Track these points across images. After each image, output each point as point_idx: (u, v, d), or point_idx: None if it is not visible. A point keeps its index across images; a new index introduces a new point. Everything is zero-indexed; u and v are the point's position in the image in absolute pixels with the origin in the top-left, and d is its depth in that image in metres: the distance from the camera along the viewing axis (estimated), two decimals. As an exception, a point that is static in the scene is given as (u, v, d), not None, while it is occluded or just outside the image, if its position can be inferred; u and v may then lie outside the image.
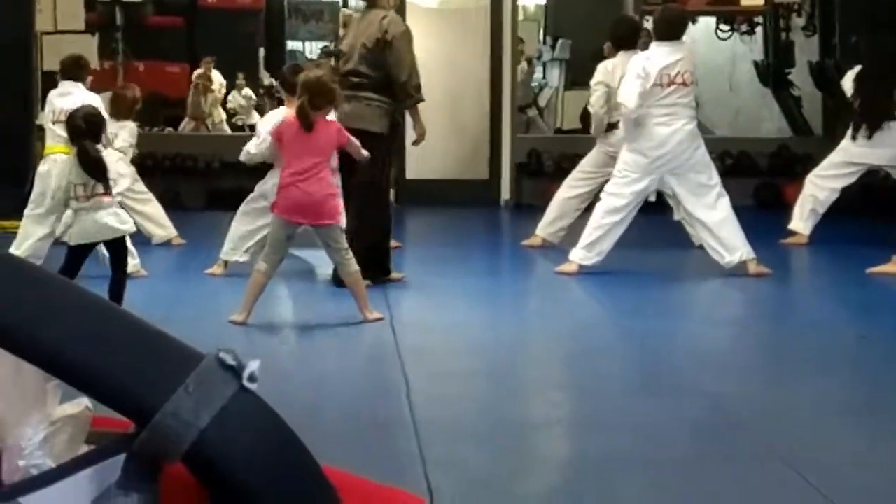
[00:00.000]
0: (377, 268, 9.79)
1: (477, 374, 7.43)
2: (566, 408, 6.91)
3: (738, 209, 10.68)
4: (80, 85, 10.81)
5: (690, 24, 13.66)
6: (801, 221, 12.44)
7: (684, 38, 10.90)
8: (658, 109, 10.39)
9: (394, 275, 10.11)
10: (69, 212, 8.59)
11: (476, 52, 16.72)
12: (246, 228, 10.25)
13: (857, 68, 12.31)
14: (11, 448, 1.20)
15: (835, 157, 12.46)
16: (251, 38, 22.05)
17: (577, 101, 17.90)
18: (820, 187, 12.41)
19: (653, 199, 11.07)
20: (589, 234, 10.56)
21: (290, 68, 11.00)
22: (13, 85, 14.44)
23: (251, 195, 10.34)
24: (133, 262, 9.85)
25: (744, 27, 18.49)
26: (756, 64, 18.48)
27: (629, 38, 11.80)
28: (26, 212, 10.44)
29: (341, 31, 18.53)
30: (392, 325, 8.40)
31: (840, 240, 12.44)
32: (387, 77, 9.90)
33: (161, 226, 12.08)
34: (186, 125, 19.88)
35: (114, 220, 8.34)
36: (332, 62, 10.64)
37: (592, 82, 11.90)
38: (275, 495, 1.06)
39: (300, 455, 1.09)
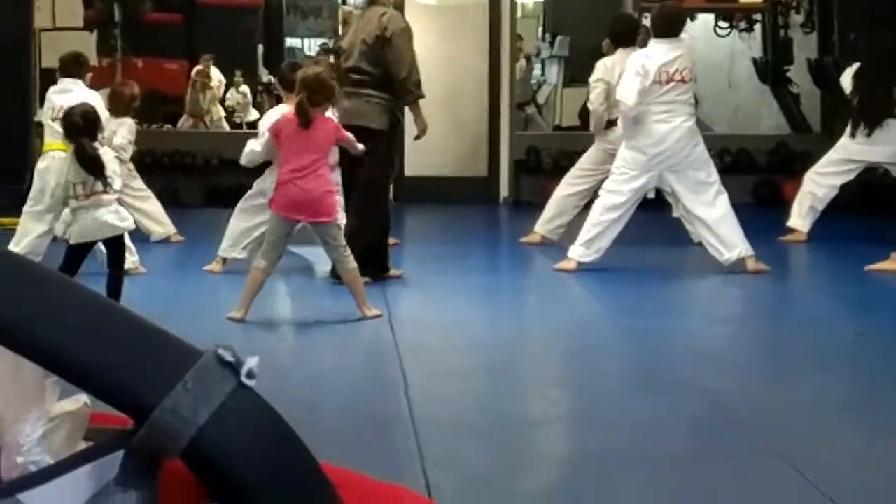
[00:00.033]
0: (376, 265, 9.79)
1: (475, 372, 7.44)
2: (565, 405, 6.92)
3: (737, 206, 10.68)
4: (79, 82, 10.81)
5: (689, 21, 13.68)
6: (800, 218, 12.45)
7: (683, 34, 10.90)
8: (657, 107, 10.40)
9: (392, 272, 10.11)
10: (68, 210, 8.58)
11: (475, 49, 16.72)
12: (244, 225, 10.24)
13: (856, 65, 12.32)
14: (10, 444, 1.20)
15: (833, 154, 12.47)
16: (250, 35, 22.06)
17: (575, 98, 17.91)
18: (819, 184, 12.42)
19: (652, 195, 11.07)
20: (587, 230, 10.57)
21: (288, 65, 11.00)
22: (12, 82, 14.45)
23: (249, 192, 10.34)
24: (132, 259, 9.85)
25: (742, 24, 18.50)
26: (755, 61, 18.48)
27: (628, 36, 11.80)
28: (25, 209, 10.43)
29: (340, 29, 18.56)
30: (390, 322, 8.40)
31: (839, 237, 12.44)
32: (387, 74, 9.90)
33: (160, 223, 12.07)
34: (185, 122, 19.88)
35: (114, 217, 8.33)
36: (331, 59, 10.63)
37: (591, 79, 11.91)
38: (273, 491, 1.06)
39: (298, 451, 1.09)
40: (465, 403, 6.68)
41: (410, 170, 16.04)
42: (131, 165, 11.66)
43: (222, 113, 20.43)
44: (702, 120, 13.33)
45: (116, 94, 11.46)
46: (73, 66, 10.94)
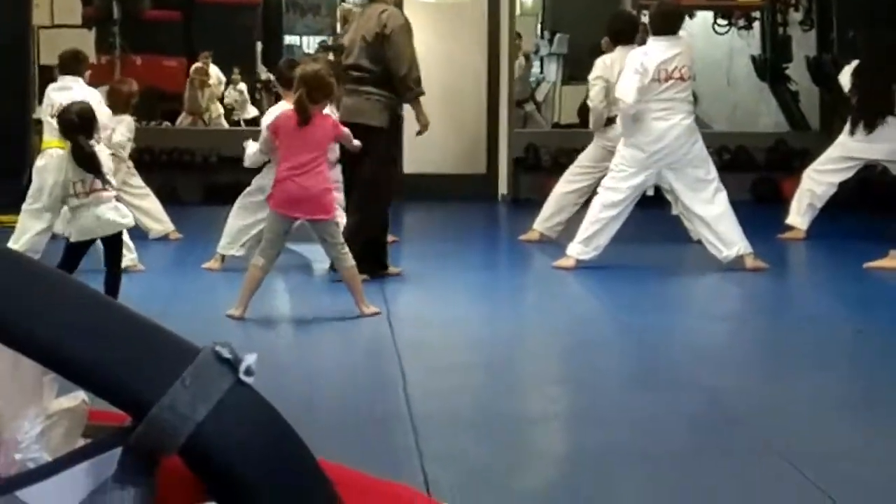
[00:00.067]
0: (374, 262, 9.80)
1: (474, 369, 7.44)
2: (563, 402, 6.92)
3: (736, 204, 10.68)
4: (79, 79, 10.81)
5: (688, 19, 13.68)
6: (799, 216, 12.45)
7: (681, 32, 10.90)
8: (656, 104, 10.40)
9: (391, 269, 10.11)
10: (66, 208, 8.58)
11: (474, 46, 16.72)
12: (243, 223, 10.24)
13: (855, 63, 12.32)
14: (8, 442, 1.20)
15: (832, 151, 12.47)
16: (248, 33, 22.05)
17: (574, 95, 17.91)
18: (817, 182, 12.42)
19: (651, 193, 11.08)
20: (586, 228, 10.57)
21: (285, 63, 11.00)
22: (10, 79, 14.43)
23: (248, 189, 10.33)
24: (130, 257, 9.86)
25: (741, 22, 18.49)
26: (753, 59, 18.48)
27: (627, 33, 11.82)
28: (24, 206, 10.43)
29: (339, 26, 18.57)
30: (389, 319, 8.40)
31: (837, 234, 12.44)
32: (387, 71, 9.89)
33: (158, 220, 12.07)
34: (184, 120, 19.87)
35: (115, 214, 8.34)
36: (330, 56, 10.63)
37: (591, 77, 11.91)
38: (271, 488, 1.06)
39: (297, 448, 1.09)
40: (463, 400, 6.68)
41: (409, 167, 16.03)
42: (130, 163, 11.67)
43: (221, 110, 20.41)
44: (700, 117, 13.33)
45: (115, 92, 11.47)
46: (72, 64, 10.94)
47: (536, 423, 6.43)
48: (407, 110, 10.37)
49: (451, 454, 5.63)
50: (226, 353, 1.08)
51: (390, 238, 10.61)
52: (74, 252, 8.34)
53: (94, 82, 11.29)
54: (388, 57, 9.87)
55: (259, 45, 22.04)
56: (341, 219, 9.50)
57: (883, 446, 5.69)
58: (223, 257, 10.32)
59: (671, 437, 5.84)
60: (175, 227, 12.18)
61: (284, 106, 9.76)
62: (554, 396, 7.00)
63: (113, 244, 8.44)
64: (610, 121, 11.57)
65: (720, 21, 18.45)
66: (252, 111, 20.44)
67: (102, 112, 10.55)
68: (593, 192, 11.10)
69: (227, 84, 20.77)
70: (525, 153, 16.60)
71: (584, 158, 12.24)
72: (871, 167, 12.75)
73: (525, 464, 5.71)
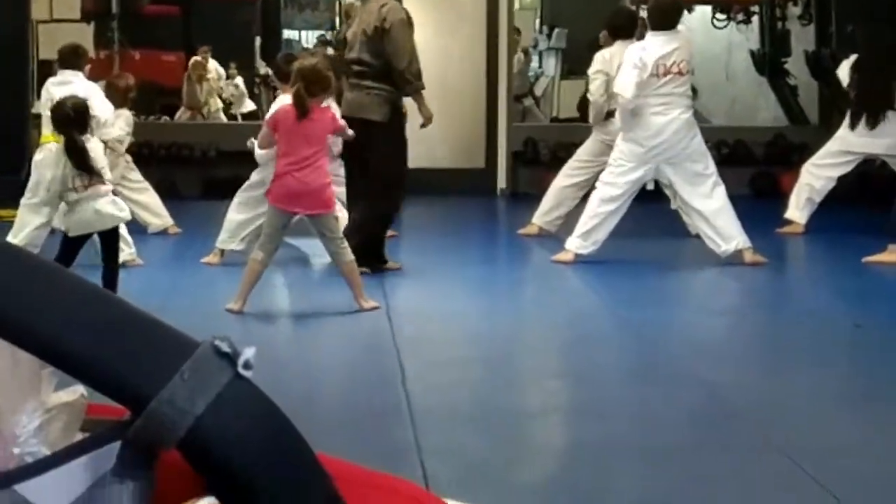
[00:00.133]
0: (374, 257, 9.79)
1: (473, 363, 7.44)
2: (562, 396, 6.92)
3: (735, 198, 10.68)
4: (79, 74, 10.81)
5: (686, 13, 13.65)
6: (798, 210, 12.45)
7: (680, 27, 10.89)
8: (654, 99, 10.39)
9: (390, 264, 10.11)
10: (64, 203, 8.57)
11: (472, 41, 16.70)
12: (242, 217, 10.24)
13: (853, 57, 12.30)
14: (6, 436, 1.20)
15: (831, 146, 12.46)
16: (247, 27, 22.05)
17: (573, 90, 17.92)
18: (816, 176, 12.41)
19: (651, 187, 11.08)
20: (585, 222, 10.57)
21: (283, 57, 11.00)
22: (9, 74, 14.42)
23: (247, 183, 10.33)
24: (129, 251, 9.86)
25: (740, 16, 18.48)
26: (752, 53, 18.47)
27: (626, 28, 11.82)
28: (23, 201, 10.42)
29: (338, 21, 18.56)
30: (388, 313, 8.40)
31: (836, 229, 12.44)
32: (387, 65, 9.89)
33: (157, 215, 12.07)
34: (182, 114, 19.86)
35: (112, 207, 8.34)
36: (329, 50, 10.63)
37: (590, 71, 11.91)
38: (269, 482, 1.06)
39: (295, 442, 1.09)
40: (462, 394, 6.68)
41: (408, 161, 16.01)
42: (129, 157, 11.66)
43: (220, 105, 20.41)
44: (699, 112, 13.33)
45: (112, 86, 11.45)
46: (72, 58, 10.94)
47: (535, 417, 6.44)
48: (411, 105, 10.36)
49: (450, 448, 5.64)
50: (224, 347, 1.08)
51: (389, 233, 10.60)
52: (71, 246, 8.33)
53: (92, 77, 11.28)
54: (388, 51, 9.88)
55: (258, 40, 22.04)
56: (341, 213, 9.49)
57: (882, 441, 5.69)
58: (222, 252, 10.32)
59: (670, 432, 5.84)
60: (174, 221, 12.18)
61: (286, 100, 9.76)
62: (553, 391, 7.00)
63: (109, 239, 8.44)
64: (609, 115, 11.57)
65: (719, 15, 18.44)
66: (249, 105, 20.44)
67: (105, 107, 10.55)
68: (592, 187, 11.10)
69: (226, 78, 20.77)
70: (524, 147, 16.59)
71: (582, 152, 12.24)
72: (870, 161, 12.75)
73: (524, 458, 5.71)
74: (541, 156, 16.33)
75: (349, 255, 8.41)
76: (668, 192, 11.12)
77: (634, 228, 11.02)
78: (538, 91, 20.27)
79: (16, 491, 1.07)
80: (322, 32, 22.54)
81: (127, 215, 8.61)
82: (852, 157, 12.28)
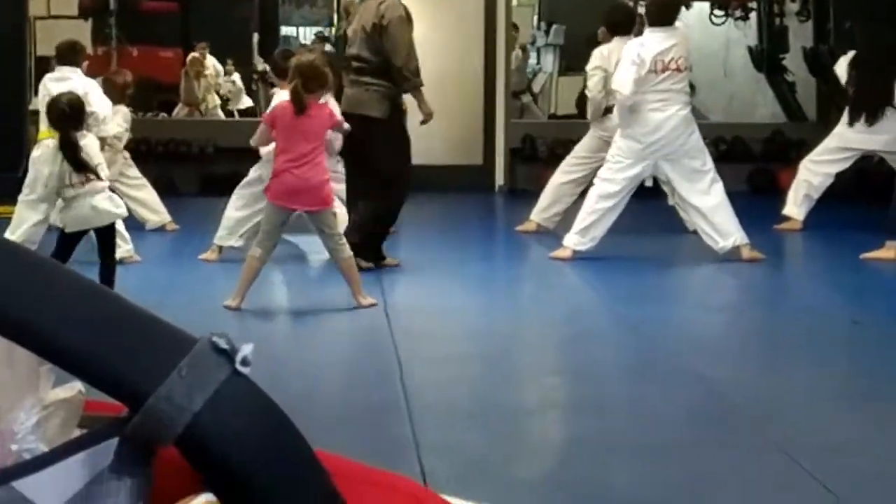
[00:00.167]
0: (373, 252, 9.79)
1: (471, 359, 7.44)
2: (560, 392, 6.93)
3: (732, 195, 10.68)
4: (77, 70, 10.80)
5: (685, 10, 13.67)
6: (795, 207, 12.45)
7: (678, 23, 10.90)
8: (652, 95, 10.39)
9: (388, 260, 10.11)
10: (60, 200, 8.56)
11: (470, 37, 16.70)
12: (240, 214, 10.24)
13: (851, 53, 12.30)
14: (4, 432, 1.20)
15: (829, 142, 12.46)
16: (245, 24, 22.04)
17: (571, 86, 17.92)
18: (814, 172, 12.41)
19: (649, 183, 11.07)
20: (582, 219, 10.57)
21: (280, 53, 11.00)
22: (6, 70, 14.42)
23: (245, 179, 10.33)
24: (126, 248, 9.86)
25: (738, 12, 18.50)
26: (750, 49, 18.48)
27: (624, 24, 11.83)
28: (20, 197, 10.42)
29: (336, 18, 18.55)
30: (386, 310, 8.40)
31: (834, 225, 12.45)
32: (386, 62, 9.90)
33: (155, 211, 12.07)
34: (180, 111, 19.85)
35: (109, 203, 8.33)
36: (326, 47, 10.63)
37: (589, 67, 11.92)
38: (267, 479, 1.06)
39: (293, 439, 1.09)
40: (460, 391, 6.68)
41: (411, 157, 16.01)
42: (127, 154, 11.67)
43: (218, 101, 20.40)
44: (697, 108, 13.34)
45: (110, 83, 11.46)
46: (69, 54, 10.93)
47: (533, 413, 6.44)
48: (411, 102, 10.36)
49: (448, 445, 5.64)
50: (222, 344, 1.07)
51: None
52: (68, 242, 8.32)
53: (90, 73, 11.29)
54: (386, 48, 9.88)
55: (255, 37, 22.03)
56: (339, 210, 9.49)
57: (880, 437, 5.70)
58: (220, 248, 10.31)
59: (668, 428, 5.84)
60: (172, 217, 12.18)
61: (283, 97, 9.76)
62: (551, 387, 7.00)
63: (106, 235, 8.43)
64: (607, 111, 11.58)
65: (717, 12, 18.45)
66: (247, 102, 20.44)
67: (103, 103, 10.55)
68: (590, 183, 11.10)
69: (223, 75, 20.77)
70: (522, 144, 16.59)
71: (580, 149, 12.24)
72: (868, 158, 12.75)
73: (522, 454, 5.71)
74: (539, 152, 16.34)
75: (347, 252, 8.41)
76: (665, 188, 11.12)
77: (632, 225, 11.03)
78: (536, 87, 20.27)
79: (13, 487, 1.07)
80: (320, 29, 22.54)
81: (123, 212, 8.60)
82: (850, 154, 12.28)
